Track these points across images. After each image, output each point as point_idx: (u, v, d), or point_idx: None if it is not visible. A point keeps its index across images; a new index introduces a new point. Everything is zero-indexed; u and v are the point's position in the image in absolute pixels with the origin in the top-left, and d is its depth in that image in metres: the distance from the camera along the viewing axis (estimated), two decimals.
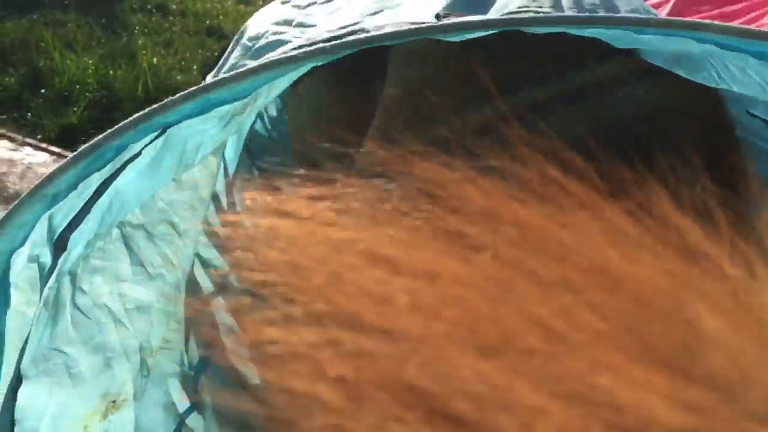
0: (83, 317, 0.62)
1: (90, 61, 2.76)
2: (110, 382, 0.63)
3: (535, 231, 0.26)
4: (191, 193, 0.80)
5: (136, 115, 0.45)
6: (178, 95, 0.46)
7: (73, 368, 0.59)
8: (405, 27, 0.53)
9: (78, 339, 0.61)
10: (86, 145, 0.45)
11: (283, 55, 0.50)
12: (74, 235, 0.53)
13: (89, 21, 3.28)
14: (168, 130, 0.51)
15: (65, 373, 0.58)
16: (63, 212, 0.50)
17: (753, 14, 1.66)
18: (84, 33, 3.08)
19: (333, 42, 0.50)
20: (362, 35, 0.51)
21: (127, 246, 0.70)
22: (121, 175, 0.53)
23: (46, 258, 0.51)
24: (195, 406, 0.75)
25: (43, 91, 2.59)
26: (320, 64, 0.54)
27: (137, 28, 3.32)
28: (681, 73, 0.58)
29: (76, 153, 0.45)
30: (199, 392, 0.78)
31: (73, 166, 0.45)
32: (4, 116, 2.48)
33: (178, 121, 0.49)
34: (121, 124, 0.45)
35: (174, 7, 3.76)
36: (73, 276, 0.60)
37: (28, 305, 0.50)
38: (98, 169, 0.48)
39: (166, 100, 0.46)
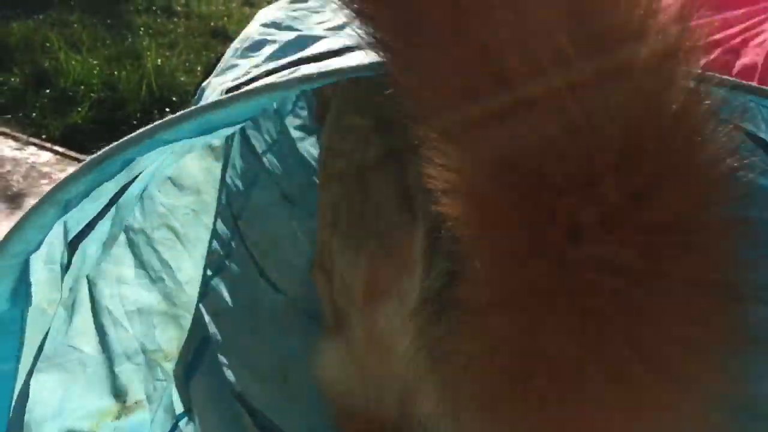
0: (91, 318, 0.64)
1: (95, 62, 2.77)
2: (118, 382, 0.64)
3: None
4: (193, 198, 0.81)
5: (141, 130, 0.47)
6: (181, 113, 0.48)
7: (89, 366, 0.61)
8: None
9: (92, 337, 0.62)
10: (95, 155, 0.46)
11: (279, 80, 0.51)
12: (86, 241, 0.55)
13: (94, 22, 3.30)
14: None
15: (79, 370, 0.60)
16: (76, 218, 0.51)
17: (755, 19, 1.67)
18: (89, 33, 3.10)
19: (321, 71, 0.51)
20: (345, 66, 0.52)
21: (132, 250, 0.71)
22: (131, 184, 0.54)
23: (65, 259, 0.52)
24: (187, 410, 0.75)
25: (47, 91, 2.60)
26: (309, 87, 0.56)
27: (142, 29, 3.33)
28: None
29: (86, 162, 0.46)
30: (191, 396, 0.79)
31: (83, 175, 0.46)
32: (9, 116, 2.50)
33: (179, 139, 0.50)
34: (127, 138, 0.47)
35: (179, 8, 3.78)
36: (90, 278, 0.63)
37: (48, 304, 0.51)
38: (106, 179, 0.49)
39: (168, 117, 0.47)
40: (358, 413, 0.58)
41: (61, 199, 0.46)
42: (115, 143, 0.46)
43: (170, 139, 0.49)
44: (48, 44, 2.90)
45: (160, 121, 0.47)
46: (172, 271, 0.76)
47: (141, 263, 0.73)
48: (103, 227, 0.56)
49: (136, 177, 0.53)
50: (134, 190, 0.58)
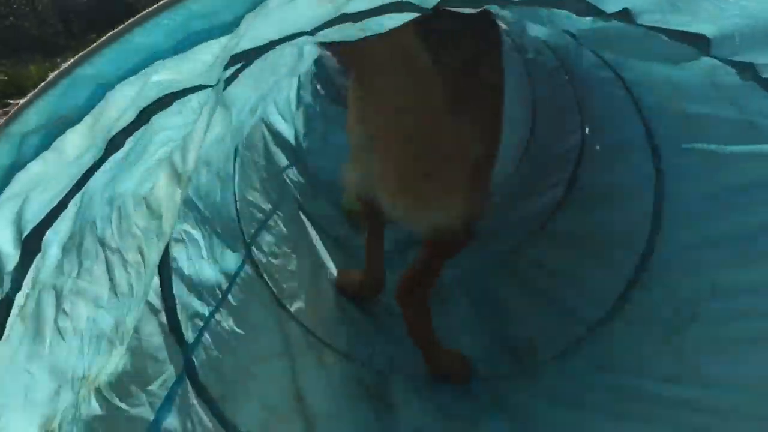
0: (60, 340, 0.60)
1: None
2: (53, 410, 0.59)
3: None
4: (157, 224, 0.79)
5: (106, 36, 0.41)
6: (148, 10, 0.42)
7: (32, 392, 0.57)
8: None
9: (48, 362, 0.58)
10: (54, 73, 0.39)
11: None
12: (47, 240, 0.51)
13: None
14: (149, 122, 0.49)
15: (22, 396, 0.55)
16: (34, 209, 0.47)
17: None
18: None
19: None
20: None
21: (108, 271, 0.69)
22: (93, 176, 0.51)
23: (9, 248, 0.48)
24: None
25: None
26: None
27: None
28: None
29: (44, 83, 0.39)
30: None
31: (40, 97, 0.39)
32: None
33: (153, 43, 0.44)
34: (91, 47, 0.40)
35: None
36: (59, 294, 0.58)
37: None
38: (67, 108, 0.42)
39: (137, 17, 0.41)
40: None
41: (16, 132, 0.39)
42: (79, 55, 0.39)
43: (143, 42, 0.43)
44: None
45: (124, 24, 0.41)
46: (131, 297, 0.75)
47: (114, 287, 0.71)
48: (63, 226, 0.53)
49: (101, 163, 0.49)
50: (98, 183, 0.55)
